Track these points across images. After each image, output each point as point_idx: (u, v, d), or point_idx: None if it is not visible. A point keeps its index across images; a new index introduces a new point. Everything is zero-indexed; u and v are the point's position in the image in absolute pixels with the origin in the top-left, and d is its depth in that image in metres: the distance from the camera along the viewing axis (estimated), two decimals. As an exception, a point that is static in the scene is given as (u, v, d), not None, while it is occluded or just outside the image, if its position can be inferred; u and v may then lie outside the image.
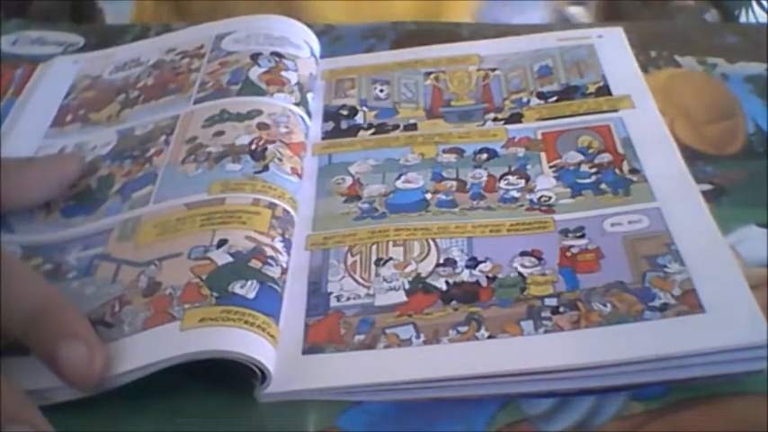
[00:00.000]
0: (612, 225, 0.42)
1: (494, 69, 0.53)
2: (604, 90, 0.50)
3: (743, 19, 0.71)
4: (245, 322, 0.38)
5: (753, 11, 0.71)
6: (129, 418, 0.37)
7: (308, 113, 0.51)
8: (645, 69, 0.52)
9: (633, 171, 0.44)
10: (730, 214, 0.43)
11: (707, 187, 0.45)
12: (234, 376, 0.38)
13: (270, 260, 0.41)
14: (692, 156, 0.46)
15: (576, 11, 0.74)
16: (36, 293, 0.38)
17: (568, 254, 0.41)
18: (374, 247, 0.43)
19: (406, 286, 0.41)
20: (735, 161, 0.47)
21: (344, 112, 0.52)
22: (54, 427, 0.35)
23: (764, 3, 0.70)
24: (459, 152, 0.48)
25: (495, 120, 0.50)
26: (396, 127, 0.50)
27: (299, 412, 0.37)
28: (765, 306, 0.37)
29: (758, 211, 0.43)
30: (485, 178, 0.46)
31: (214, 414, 0.38)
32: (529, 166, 0.46)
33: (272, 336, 0.38)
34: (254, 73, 0.51)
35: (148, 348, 0.37)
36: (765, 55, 0.53)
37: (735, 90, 0.51)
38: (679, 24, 0.67)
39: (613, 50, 0.53)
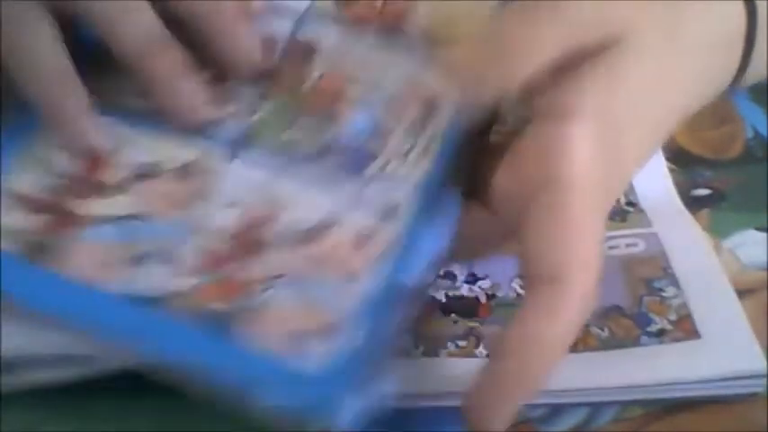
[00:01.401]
0: (610, 248, 0.43)
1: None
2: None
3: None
4: None
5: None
6: (130, 418, 0.37)
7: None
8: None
9: (629, 204, 0.45)
10: (729, 219, 0.44)
11: (706, 192, 0.46)
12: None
13: None
14: (690, 160, 0.47)
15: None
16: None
17: (566, 276, 0.41)
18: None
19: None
20: (733, 166, 0.48)
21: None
22: (52, 422, 0.35)
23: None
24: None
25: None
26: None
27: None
28: (765, 313, 0.38)
29: (757, 216, 0.44)
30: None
31: (214, 414, 0.38)
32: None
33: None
34: None
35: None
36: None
37: (733, 95, 0.52)
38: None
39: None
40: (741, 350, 0.37)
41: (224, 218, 0.35)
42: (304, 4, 0.40)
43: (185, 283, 0.33)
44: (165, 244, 0.35)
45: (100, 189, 0.36)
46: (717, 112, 0.51)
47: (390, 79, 0.38)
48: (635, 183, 0.46)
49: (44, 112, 0.37)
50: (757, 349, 0.37)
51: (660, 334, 0.38)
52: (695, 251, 0.42)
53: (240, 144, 0.37)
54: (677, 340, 0.38)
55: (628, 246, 0.42)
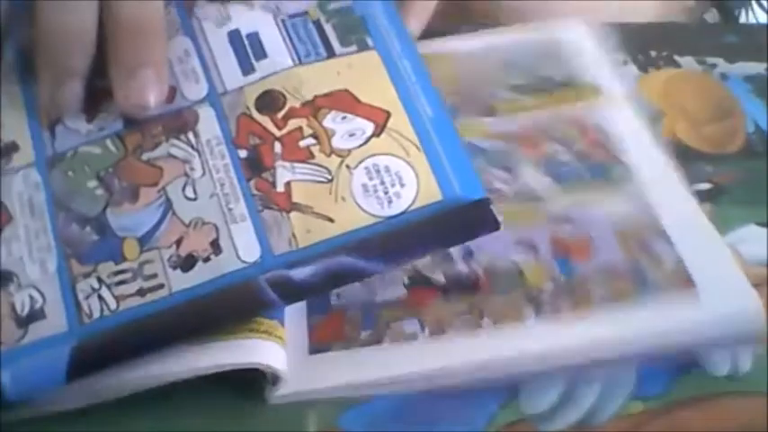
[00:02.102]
0: (598, 211, 0.43)
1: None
2: (574, 81, 0.52)
3: (743, 19, 0.71)
4: (252, 330, 0.38)
5: (753, 11, 0.72)
6: (130, 417, 0.37)
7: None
8: (644, 69, 0.53)
9: (612, 158, 0.46)
10: (730, 214, 0.44)
11: (706, 186, 0.46)
12: (238, 377, 0.38)
13: None
14: (691, 155, 0.47)
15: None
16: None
17: (560, 242, 0.42)
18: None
19: (405, 281, 0.42)
20: (734, 161, 0.48)
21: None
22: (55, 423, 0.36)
23: (764, 3, 0.71)
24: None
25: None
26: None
27: (300, 412, 0.38)
28: (765, 305, 0.38)
29: (758, 211, 0.44)
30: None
31: (214, 414, 0.38)
32: (510, 159, 0.47)
33: (279, 337, 0.39)
34: None
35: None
36: (765, 55, 0.54)
37: (734, 90, 0.52)
38: (679, 24, 0.68)
39: (579, 42, 0.54)
40: (737, 293, 0.38)
41: None
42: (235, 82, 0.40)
43: None
44: None
45: None
46: (717, 107, 0.51)
47: None
48: (616, 140, 0.47)
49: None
50: (753, 292, 0.38)
51: (656, 288, 0.39)
52: (682, 204, 0.43)
53: (48, 162, 0.39)
54: (674, 292, 0.39)
55: (616, 207, 0.43)
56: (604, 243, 0.42)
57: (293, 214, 0.36)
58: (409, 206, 0.36)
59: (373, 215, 0.35)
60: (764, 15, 0.72)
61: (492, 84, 0.52)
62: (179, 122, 0.39)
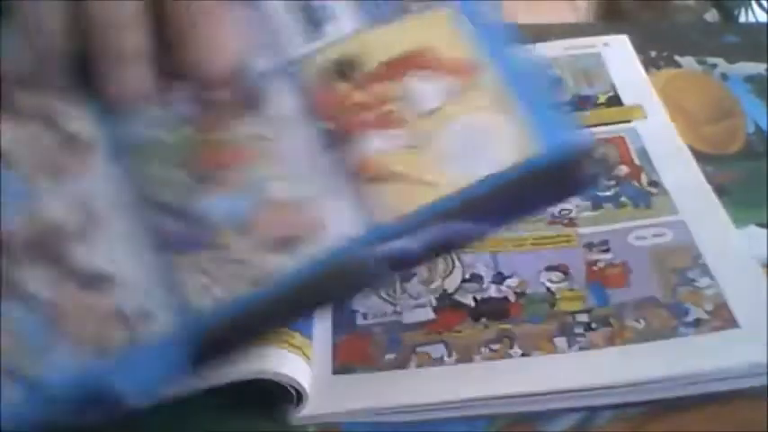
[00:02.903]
0: (637, 239, 0.42)
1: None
2: (615, 100, 0.50)
3: (743, 19, 0.71)
4: (285, 342, 0.37)
5: (753, 11, 0.71)
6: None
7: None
8: (645, 69, 0.52)
9: (652, 183, 0.45)
10: (730, 214, 0.43)
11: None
12: (254, 392, 0.37)
13: None
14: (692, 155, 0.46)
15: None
16: None
17: (595, 268, 0.41)
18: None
19: (434, 303, 0.40)
20: (734, 161, 0.47)
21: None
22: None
23: (764, 2, 0.71)
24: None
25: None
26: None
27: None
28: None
29: (758, 211, 0.44)
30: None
31: (214, 414, 0.38)
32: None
33: (307, 356, 0.38)
34: None
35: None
36: (765, 55, 0.53)
37: (734, 90, 0.52)
38: (679, 24, 0.67)
39: (620, 59, 0.53)
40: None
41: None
42: (305, 50, 0.38)
43: None
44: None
45: None
46: (717, 107, 0.51)
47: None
48: (657, 164, 0.45)
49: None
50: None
51: (698, 324, 0.38)
52: (724, 238, 0.41)
53: (124, 154, 0.37)
54: (716, 330, 0.37)
55: (655, 236, 0.42)
56: (641, 272, 0.40)
57: (389, 183, 0.34)
58: (508, 161, 0.33)
59: (472, 175, 0.33)
60: (764, 15, 0.71)
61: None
62: (253, 98, 0.37)
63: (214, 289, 0.34)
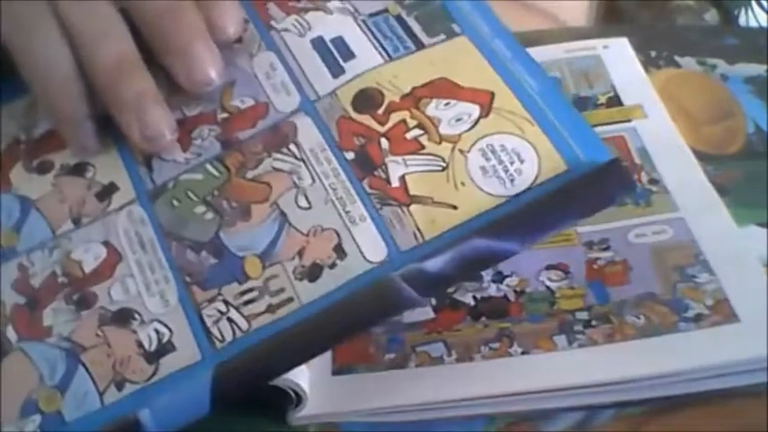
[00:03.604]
0: (637, 236, 0.42)
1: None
2: (615, 100, 0.50)
3: (742, 19, 0.71)
4: None
5: (752, 11, 0.71)
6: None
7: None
8: (645, 69, 0.52)
9: (652, 181, 0.44)
10: (730, 214, 0.43)
11: None
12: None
13: None
14: None
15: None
16: None
17: (595, 266, 0.41)
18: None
19: (433, 302, 0.40)
20: (735, 161, 0.47)
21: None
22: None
23: (764, 3, 0.70)
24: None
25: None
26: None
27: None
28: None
29: (758, 211, 0.43)
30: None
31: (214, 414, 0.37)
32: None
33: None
34: None
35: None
36: (765, 58, 0.53)
37: (734, 90, 0.51)
38: (679, 26, 0.67)
39: (620, 60, 0.53)
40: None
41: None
42: (326, 87, 0.39)
43: None
44: None
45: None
46: (717, 107, 0.50)
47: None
48: (657, 162, 0.45)
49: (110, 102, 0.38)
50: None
51: (698, 319, 0.38)
52: (724, 235, 0.41)
53: (150, 196, 0.38)
54: (716, 324, 0.37)
55: (655, 233, 0.42)
56: (642, 269, 0.40)
57: (413, 207, 0.35)
58: (534, 181, 0.34)
59: (498, 196, 0.34)
60: (764, 15, 0.70)
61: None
62: (278, 137, 0.38)
63: (237, 320, 0.34)
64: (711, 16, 0.69)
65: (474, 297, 0.40)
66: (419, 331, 0.39)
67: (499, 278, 0.41)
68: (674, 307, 0.38)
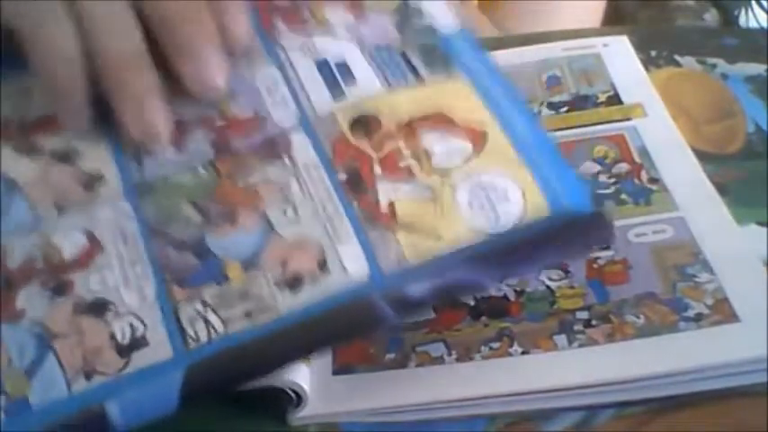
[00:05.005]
0: (637, 235, 0.42)
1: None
2: (615, 99, 0.50)
3: (742, 19, 0.71)
4: None
5: (752, 11, 0.71)
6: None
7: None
8: (645, 68, 0.52)
9: (652, 180, 0.44)
10: (730, 213, 0.43)
11: None
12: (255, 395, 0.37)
13: None
14: None
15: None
16: None
17: (595, 266, 0.41)
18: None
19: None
20: (735, 160, 0.47)
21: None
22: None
23: (764, 3, 0.70)
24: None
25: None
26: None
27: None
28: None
29: (758, 211, 0.43)
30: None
31: (214, 414, 0.38)
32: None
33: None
34: None
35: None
36: (765, 57, 0.53)
37: (734, 90, 0.51)
38: (679, 26, 0.67)
39: (620, 58, 0.53)
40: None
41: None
42: (326, 107, 0.39)
43: None
44: None
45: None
46: (718, 107, 0.50)
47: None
48: (657, 161, 0.45)
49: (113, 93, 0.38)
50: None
51: (698, 319, 0.38)
52: (724, 234, 0.41)
53: (136, 190, 0.38)
54: (716, 324, 0.37)
55: (655, 233, 0.42)
56: (642, 269, 0.40)
57: (399, 230, 0.35)
58: (517, 222, 0.35)
59: (482, 231, 0.35)
60: (764, 15, 0.70)
61: (531, 100, 0.51)
62: (272, 149, 0.38)
63: (213, 322, 0.34)
64: (711, 16, 0.70)
65: (474, 297, 0.40)
66: (419, 331, 0.39)
67: (499, 278, 0.41)
68: (674, 306, 0.38)
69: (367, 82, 0.40)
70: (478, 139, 0.37)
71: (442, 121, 0.38)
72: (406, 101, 0.39)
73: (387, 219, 0.36)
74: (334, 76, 0.40)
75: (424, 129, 0.38)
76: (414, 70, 0.40)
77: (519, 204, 0.35)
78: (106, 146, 0.40)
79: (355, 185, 0.37)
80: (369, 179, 0.37)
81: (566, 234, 0.34)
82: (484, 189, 0.36)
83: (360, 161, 0.37)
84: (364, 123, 0.38)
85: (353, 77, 0.40)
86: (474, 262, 0.34)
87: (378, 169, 0.37)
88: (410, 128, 0.38)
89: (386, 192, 0.36)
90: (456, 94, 0.39)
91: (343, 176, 0.37)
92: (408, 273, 0.34)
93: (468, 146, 0.37)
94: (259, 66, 0.41)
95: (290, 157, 0.38)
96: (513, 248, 0.34)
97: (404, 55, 0.41)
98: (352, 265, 0.35)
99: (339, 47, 0.41)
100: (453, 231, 0.35)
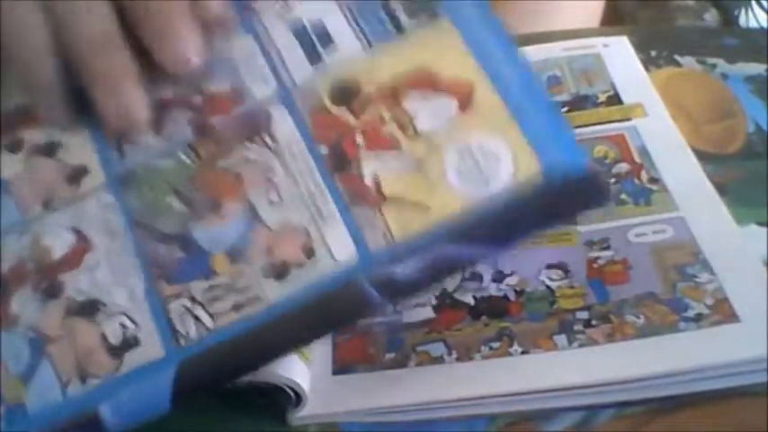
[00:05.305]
0: (637, 235, 0.42)
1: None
2: (615, 99, 0.50)
3: (742, 19, 0.71)
4: None
5: (752, 11, 0.71)
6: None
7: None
8: (645, 68, 0.52)
9: (652, 180, 0.44)
10: (730, 213, 0.43)
11: None
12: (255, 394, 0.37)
13: None
14: None
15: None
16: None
17: (595, 265, 0.41)
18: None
19: (434, 302, 0.40)
20: (735, 160, 0.47)
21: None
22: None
23: (764, 3, 0.70)
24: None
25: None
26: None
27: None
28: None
29: (758, 210, 0.43)
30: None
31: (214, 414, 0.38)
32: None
33: (305, 357, 0.38)
34: None
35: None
36: (764, 57, 0.53)
37: (734, 90, 0.51)
38: (679, 26, 0.67)
39: (620, 58, 0.53)
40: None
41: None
42: (304, 75, 0.38)
43: None
44: None
45: None
46: (718, 107, 0.50)
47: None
48: (657, 161, 0.45)
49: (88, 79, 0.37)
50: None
51: (698, 319, 0.38)
52: (724, 234, 0.41)
53: (120, 181, 0.38)
54: (716, 324, 0.37)
55: (655, 233, 0.42)
56: (642, 269, 0.40)
57: (385, 207, 0.34)
58: (508, 187, 0.33)
59: (471, 197, 0.33)
60: (764, 15, 0.70)
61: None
62: (251, 125, 0.37)
63: (203, 317, 0.34)
64: (711, 16, 0.70)
65: (474, 296, 0.40)
66: (419, 331, 0.39)
67: (499, 277, 0.41)
68: (674, 306, 0.38)
69: (345, 40, 0.38)
70: (464, 92, 0.35)
71: (425, 76, 0.36)
72: (386, 61, 0.37)
73: (372, 195, 0.34)
74: (312, 41, 0.38)
75: (407, 90, 0.36)
76: (396, 22, 0.38)
77: (509, 168, 0.33)
78: (87, 135, 0.39)
79: (338, 160, 0.35)
80: (352, 152, 0.35)
81: (559, 197, 0.33)
82: (472, 151, 0.34)
83: (341, 132, 0.36)
84: (344, 89, 0.37)
85: (332, 40, 0.38)
86: (464, 232, 0.33)
87: (360, 140, 0.36)
88: (391, 89, 0.36)
89: (370, 166, 0.35)
90: (441, 46, 0.36)
91: (324, 150, 0.36)
92: (396, 250, 0.33)
93: (454, 104, 0.35)
94: (234, 37, 0.40)
95: (271, 135, 0.37)
96: (504, 216, 0.33)
97: (385, 6, 0.39)
98: (338, 248, 0.34)
99: (316, 5, 0.39)
100: (441, 200, 0.33)
